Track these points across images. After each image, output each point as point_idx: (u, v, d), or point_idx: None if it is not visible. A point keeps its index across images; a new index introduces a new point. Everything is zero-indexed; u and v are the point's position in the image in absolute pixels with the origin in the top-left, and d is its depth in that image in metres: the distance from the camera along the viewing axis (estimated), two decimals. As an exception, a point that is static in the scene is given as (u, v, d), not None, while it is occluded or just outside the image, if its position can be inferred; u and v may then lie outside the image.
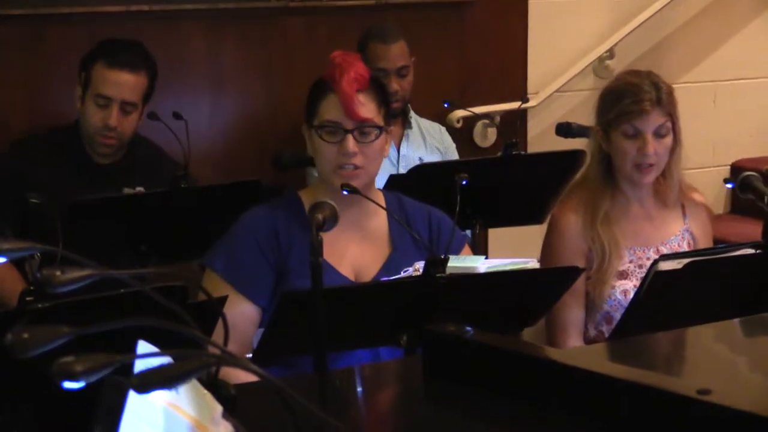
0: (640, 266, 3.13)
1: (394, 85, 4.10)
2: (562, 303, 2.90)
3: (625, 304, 3.04)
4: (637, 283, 3.07)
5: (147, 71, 3.63)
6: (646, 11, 5.14)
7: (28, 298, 2.10)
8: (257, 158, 4.28)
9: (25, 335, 1.08)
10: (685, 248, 3.19)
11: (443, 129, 4.46)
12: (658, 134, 3.10)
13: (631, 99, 3.08)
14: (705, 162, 5.36)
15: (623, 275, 3.13)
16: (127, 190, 3.59)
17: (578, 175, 3.27)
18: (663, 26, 5.26)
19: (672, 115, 3.11)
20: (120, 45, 3.64)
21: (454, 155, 4.37)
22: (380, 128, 2.74)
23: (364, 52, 4.10)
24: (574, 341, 3.13)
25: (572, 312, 3.11)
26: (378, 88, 2.78)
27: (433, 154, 4.28)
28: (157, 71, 3.68)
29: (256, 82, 4.46)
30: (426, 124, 4.38)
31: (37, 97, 4.03)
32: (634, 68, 3.53)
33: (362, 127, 2.72)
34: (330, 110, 2.73)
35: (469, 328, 1.94)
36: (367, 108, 2.72)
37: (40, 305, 2.07)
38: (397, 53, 4.15)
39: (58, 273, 1.16)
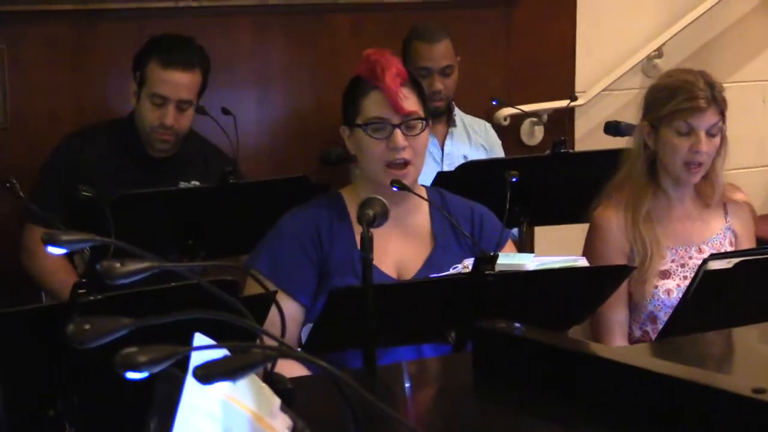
0: (683, 265, 3.11)
1: (438, 84, 4.08)
2: (606, 303, 2.88)
3: (669, 303, 3.03)
4: (680, 283, 3.06)
5: (201, 68, 3.63)
6: (696, 10, 5.10)
7: (80, 291, 2.12)
8: (303, 154, 4.29)
9: (87, 326, 1.09)
10: (727, 246, 3.16)
11: (488, 126, 4.43)
12: (710, 133, 3.07)
13: (686, 96, 3.05)
14: (754, 162, 5.32)
15: (665, 275, 3.11)
16: (183, 184, 3.62)
17: (619, 175, 3.22)
18: (712, 25, 5.22)
19: (723, 115, 3.09)
20: (174, 43, 3.64)
21: (499, 152, 4.35)
22: (425, 120, 2.76)
23: (408, 50, 4.10)
24: (619, 342, 3.11)
25: (616, 312, 3.09)
26: (415, 82, 2.80)
27: (478, 152, 4.27)
28: (210, 66, 3.68)
29: (303, 78, 4.47)
30: (471, 121, 4.36)
31: (87, 92, 4.05)
32: (684, 67, 3.50)
33: (408, 121, 2.73)
34: (375, 107, 2.74)
35: (518, 325, 1.94)
36: (411, 101, 2.74)
37: (92, 297, 2.09)
38: (441, 53, 4.13)
39: (118, 265, 1.17)
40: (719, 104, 3.07)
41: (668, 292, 3.08)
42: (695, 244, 3.16)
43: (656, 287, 3.09)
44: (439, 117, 4.11)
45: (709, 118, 3.06)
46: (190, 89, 3.59)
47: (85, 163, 3.56)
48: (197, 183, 3.62)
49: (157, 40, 3.64)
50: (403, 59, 3.97)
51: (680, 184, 3.14)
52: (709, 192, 3.16)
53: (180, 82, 3.56)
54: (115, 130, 3.69)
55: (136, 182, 3.47)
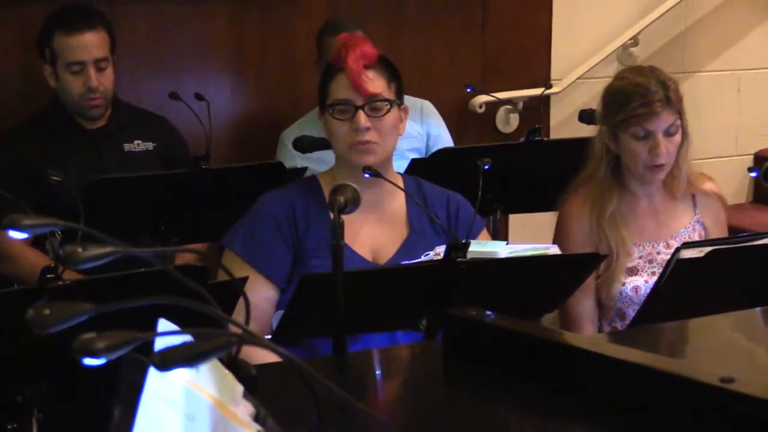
0: (650, 261, 3.10)
1: None
2: (572, 296, 2.88)
3: (637, 300, 3.02)
4: (648, 279, 3.06)
5: (103, 25, 3.66)
6: (671, -1, 5.12)
7: (48, 276, 2.10)
8: (277, 141, 4.27)
9: (47, 311, 1.08)
10: (696, 239, 3.16)
11: (426, 105, 4.24)
12: (668, 133, 3.04)
13: (640, 101, 3.00)
14: (728, 151, 5.33)
15: (633, 271, 3.10)
16: (127, 146, 3.68)
17: (585, 172, 3.19)
18: (688, 14, 5.23)
19: (680, 112, 3.06)
20: (69, 11, 3.67)
21: (438, 132, 4.22)
22: (390, 102, 2.76)
23: (320, 46, 4.05)
24: (588, 332, 3.11)
25: (583, 304, 3.09)
26: (386, 64, 2.81)
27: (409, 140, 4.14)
28: (109, 22, 3.70)
29: (278, 64, 4.45)
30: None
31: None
32: (636, 65, 3.46)
33: (372, 102, 2.74)
34: (340, 89, 2.76)
35: (489, 313, 1.94)
36: (375, 83, 2.75)
37: (60, 282, 2.07)
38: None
39: (80, 249, 1.16)
40: (674, 104, 3.02)
41: (636, 289, 3.08)
42: (663, 239, 3.14)
43: (624, 284, 3.08)
44: None
45: (665, 119, 3.02)
46: (101, 47, 3.62)
47: (27, 158, 3.55)
48: (140, 142, 3.69)
49: (51, 16, 3.66)
50: (318, 56, 3.97)
51: (646, 183, 3.13)
52: (674, 184, 3.15)
53: (89, 42, 3.59)
54: (40, 121, 3.70)
55: (84, 159, 3.54)
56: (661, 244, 3.13)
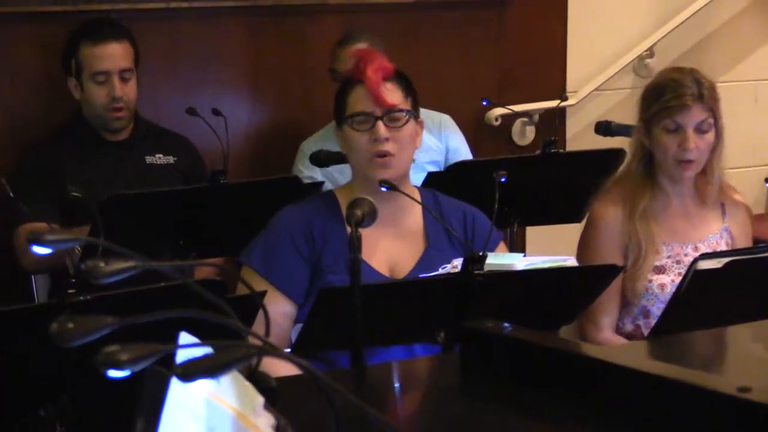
0: (678, 262, 3.12)
1: None
2: (596, 300, 2.89)
3: (663, 298, 3.04)
4: (675, 278, 3.07)
5: (128, 38, 3.71)
6: (687, 10, 5.10)
7: (69, 291, 2.12)
8: (294, 155, 4.29)
9: (70, 324, 1.09)
10: (723, 247, 3.18)
11: (444, 120, 4.23)
12: (700, 130, 3.09)
13: (672, 94, 3.08)
14: (745, 161, 5.32)
15: (660, 270, 3.13)
16: (149, 159, 3.72)
17: (618, 172, 3.27)
18: (704, 25, 5.23)
19: (714, 111, 3.10)
20: (95, 22, 3.73)
21: (457, 146, 4.23)
22: (409, 112, 2.78)
23: (332, 56, 4.05)
24: (606, 336, 3.13)
25: (605, 307, 3.11)
26: (402, 77, 2.83)
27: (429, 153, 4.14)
28: (133, 35, 3.74)
29: (294, 79, 4.47)
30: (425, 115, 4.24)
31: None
32: (677, 66, 3.51)
33: (391, 113, 2.76)
34: (359, 100, 2.78)
35: (507, 325, 1.95)
36: (394, 95, 2.77)
37: (82, 297, 2.09)
38: (351, 54, 3.99)
39: (102, 264, 1.17)
40: (706, 101, 3.08)
41: (662, 286, 3.10)
42: (692, 241, 3.17)
43: (650, 281, 3.11)
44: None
45: (696, 114, 3.07)
46: (126, 57, 3.67)
47: (51, 170, 3.58)
48: (161, 156, 3.74)
49: (77, 30, 3.70)
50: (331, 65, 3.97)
51: (676, 182, 3.16)
52: (706, 189, 3.18)
53: (115, 53, 3.65)
54: (63, 134, 3.74)
55: (106, 171, 3.58)
56: (689, 247, 3.16)
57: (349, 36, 4.04)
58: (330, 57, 4.09)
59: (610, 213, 3.16)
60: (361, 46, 3.95)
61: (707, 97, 3.08)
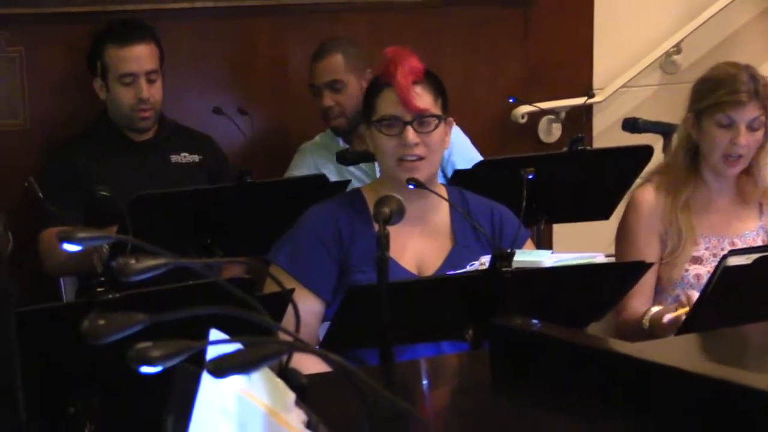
0: (715, 255, 3.13)
1: (328, 100, 3.90)
2: (631, 291, 2.89)
3: (697, 288, 3.03)
4: (711, 270, 3.06)
5: (153, 38, 3.72)
6: (714, 5, 5.08)
7: (99, 289, 2.13)
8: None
9: (101, 321, 1.10)
10: (759, 244, 3.17)
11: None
12: (751, 127, 3.09)
13: (728, 89, 3.08)
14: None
15: (698, 260, 3.15)
16: (174, 158, 3.73)
17: (662, 162, 3.27)
18: (731, 21, 5.20)
19: (766, 110, 3.10)
20: (120, 24, 3.73)
21: (465, 151, 4.20)
22: (439, 117, 2.76)
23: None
24: (638, 304, 3.12)
25: (639, 299, 3.10)
26: (433, 79, 2.81)
27: None
28: (158, 36, 3.76)
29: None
30: None
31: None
32: (731, 61, 3.47)
33: (421, 118, 2.74)
34: (388, 104, 2.76)
35: (536, 322, 1.94)
36: (423, 99, 2.75)
37: (111, 296, 2.09)
38: (326, 68, 3.93)
39: (133, 261, 1.17)
40: (761, 99, 3.09)
41: (698, 276, 3.12)
42: (729, 236, 3.18)
43: (687, 271, 3.14)
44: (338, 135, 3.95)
45: (750, 111, 3.08)
46: (152, 59, 3.69)
47: (78, 171, 3.60)
48: (186, 154, 3.74)
49: (102, 31, 3.72)
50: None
51: (720, 176, 3.17)
52: (749, 188, 3.20)
53: (141, 54, 3.66)
54: (89, 135, 3.75)
55: (132, 171, 3.60)
56: (726, 241, 3.17)
57: (323, 49, 3.96)
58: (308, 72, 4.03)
59: (652, 200, 3.18)
60: (336, 58, 3.92)
61: (762, 94, 3.09)
